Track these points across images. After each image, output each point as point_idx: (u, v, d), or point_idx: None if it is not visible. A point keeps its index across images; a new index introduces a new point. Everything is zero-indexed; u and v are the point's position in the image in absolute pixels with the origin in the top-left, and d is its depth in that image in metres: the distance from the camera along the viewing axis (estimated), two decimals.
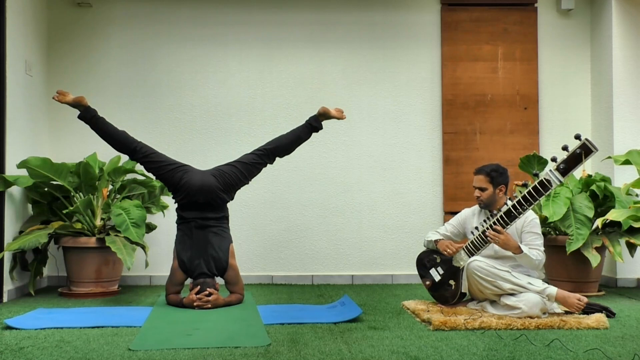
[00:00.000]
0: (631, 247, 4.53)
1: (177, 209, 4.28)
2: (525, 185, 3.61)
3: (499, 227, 3.61)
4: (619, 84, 5.21)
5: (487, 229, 3.66)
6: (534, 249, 3.67)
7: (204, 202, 4.15)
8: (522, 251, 3.60)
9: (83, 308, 4.05)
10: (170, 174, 4.18)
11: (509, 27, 5.52)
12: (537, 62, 5.51)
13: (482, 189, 3.81)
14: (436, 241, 3.95)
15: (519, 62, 5.50)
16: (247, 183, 4.35)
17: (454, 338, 3.12)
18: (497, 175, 3.81)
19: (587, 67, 5.58)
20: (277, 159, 4.42)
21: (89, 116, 4.15)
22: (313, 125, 4.41)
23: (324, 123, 4.49)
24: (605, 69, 5.32)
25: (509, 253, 3.70)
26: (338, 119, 4.51)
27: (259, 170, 4.37)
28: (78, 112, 4.16)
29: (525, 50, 5.51)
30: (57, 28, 5.33)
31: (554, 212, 4.38)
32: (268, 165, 4.39)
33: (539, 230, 3.77)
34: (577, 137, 3.41)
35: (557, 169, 3.45)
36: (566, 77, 5.57)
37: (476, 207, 4.00)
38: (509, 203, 3.62)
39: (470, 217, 3.99)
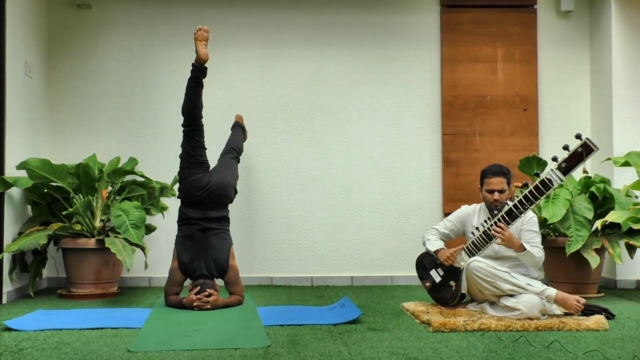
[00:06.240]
0: (630, 249, 4.53)
1: (180, 207, 4.30)
2: (526, 185, 3.62)
3: (503, 225, 3.61)
4: (618, 85, 5.21)
5: (491, 226, 3.65)
6: (535, 246, 3.68)
7: (212, 200, 4.22)
8: (525, 249, 3.60)
9: (82, 309, 4.05)
10: (194, 160, 4.31)
11: (509, 28, 5.52)
12: (536, 63, 5.52)
13: (501, 191, 3.79)
14: (436, 252, 3.91)
15: (518, 64, 5.50)
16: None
17: (454, 339, 3.12)
18: (509, 175, 3.86)
19: (587, 69, 5.58)
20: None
21: (198, 75, 4.27)
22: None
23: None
24: (605, 70, 5.32)
25: (510, 253, 3.70)
26: (204, 41, 4.27)
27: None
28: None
29: (525, 51, 5.51)
30: (57, 29, 5.33)
31: (553, 214, 4.38)
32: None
33: (537, 228, 3.78)
34: (578, 136, 3.43)
35: (559, 168, 3.46)
36: (566, 79, 5.57)
37: (476, 206, 4.00)
38: (510, 203, 3.63)
39: (470, 215, 3.98)
